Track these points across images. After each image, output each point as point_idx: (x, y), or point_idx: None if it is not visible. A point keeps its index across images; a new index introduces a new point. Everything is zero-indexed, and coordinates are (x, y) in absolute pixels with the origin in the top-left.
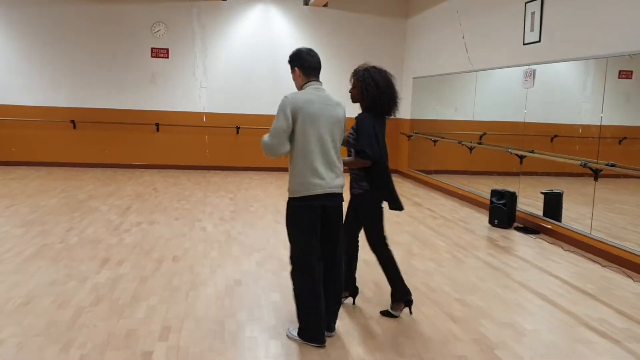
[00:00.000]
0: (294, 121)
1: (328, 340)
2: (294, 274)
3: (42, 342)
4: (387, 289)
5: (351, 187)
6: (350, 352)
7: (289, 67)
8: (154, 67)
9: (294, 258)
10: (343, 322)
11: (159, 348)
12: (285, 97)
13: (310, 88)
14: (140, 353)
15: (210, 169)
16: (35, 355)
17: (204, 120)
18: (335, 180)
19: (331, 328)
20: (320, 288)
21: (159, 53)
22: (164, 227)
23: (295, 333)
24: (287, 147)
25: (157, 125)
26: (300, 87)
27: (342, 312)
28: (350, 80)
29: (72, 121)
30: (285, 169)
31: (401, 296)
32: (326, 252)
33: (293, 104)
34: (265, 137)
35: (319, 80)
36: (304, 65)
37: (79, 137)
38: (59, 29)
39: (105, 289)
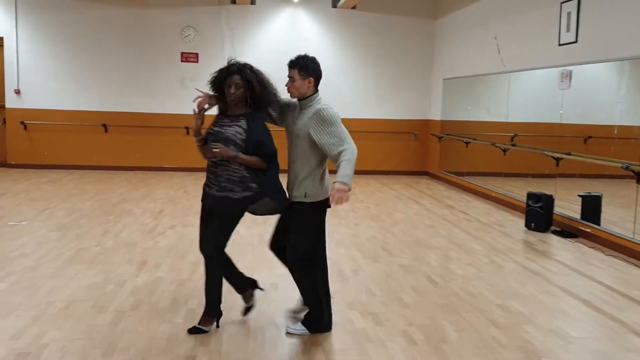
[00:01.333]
0: None
1: (369, 346)
2: (308, 272)
3: (84, 346)
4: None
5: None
6: (392, 358)
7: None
8: (184, 71)
9: (306, 257)
10: (383, 329)
11: (201, 353)
12: (331, 107)
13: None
14: (183, 358)
15: None
16: (79, 359)
17: None
18: None
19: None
20: None
21: (189, 57)
22: (197, 230)
23: (299, 327)
24: None
25: (186, 128)
26: (305, 96)
27: (382, 317)
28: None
29: (104, 125)
30: None
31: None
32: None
33: None
34: (352, 144)
35: None
36: (319, 76)
37: (111, 141)
38: (90, 34)
39: (144, 293)
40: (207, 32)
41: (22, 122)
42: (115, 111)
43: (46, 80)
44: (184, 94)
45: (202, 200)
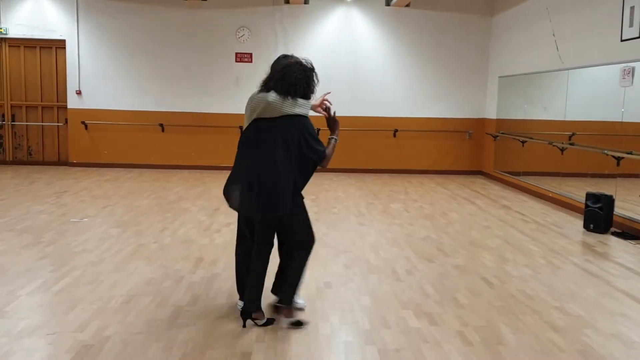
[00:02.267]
0: None
1: (425, 349)
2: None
3: (145, 339)
4: (482, 293)
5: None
6: (448, 359)
7: (370, 68)
8: (238, 71)
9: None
10: (438, 328)
11: (257, 349)
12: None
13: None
14: (239, 353)
15: None
16: (139, 352)
17: None
18: None
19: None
20: None
21: (243, 57)
22: None
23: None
24: None
25: (240, 128)
26: None
27: (437, 317)
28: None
29: (161, 124)
30: (364, 170)
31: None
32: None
33: None
34: None
35: None
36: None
37: (167, 140)
38: (147, 36)
39: (201, 289)
40: (261, 32)
41: (83, 122)
42: (171, 111)
43: (105, 81)
44: (238, 94)
45: None
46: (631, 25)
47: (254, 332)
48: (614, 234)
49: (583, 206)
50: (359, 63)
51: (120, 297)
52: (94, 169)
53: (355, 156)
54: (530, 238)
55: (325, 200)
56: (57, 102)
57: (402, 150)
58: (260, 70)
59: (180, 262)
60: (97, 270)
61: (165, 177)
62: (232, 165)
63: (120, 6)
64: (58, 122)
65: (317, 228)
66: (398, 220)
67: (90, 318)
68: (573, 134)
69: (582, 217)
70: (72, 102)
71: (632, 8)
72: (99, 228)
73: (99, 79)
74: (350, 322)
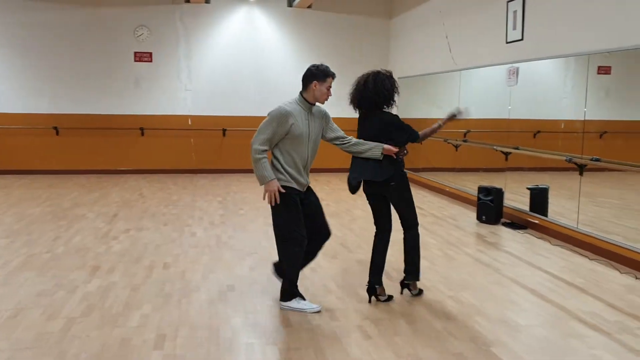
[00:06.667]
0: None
1: (325, 346)
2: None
3: (33, 355)
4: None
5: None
6: (348, 352)
7: (275, 68)
8: (138, 71)
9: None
10: (339, 324)
11: (155, 357)
12: None
13: None
14: None
15: (197, 173)
16: None
17: (190, 123)
18: None
19: None
20: None
21: (143, 57)
22: (153, 234)
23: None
24: None
25: (141, 129)
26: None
27: (338, 313)
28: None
29: (55, 127)
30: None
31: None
32: None
33: None
34: None
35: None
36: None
37: (62, 144)
38: (40, 35)
39: (96, 298)
40: (160, 31)
41: None
42: (67, 113)
43: None
44: (138, 94)
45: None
46: (514, 28)
47: (151, 341)
48: (504, 224)
49: (476, 199)
50: (265, 63)
51: (7, 311)
52: None
53: None
54: (428, 231)
55: (232, 202)
56: None
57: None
58: (161, 69)
59: (74, 271)
60: None
61: (60, 182)
62: (132, 167)
63: (10, 2)
64: None
65: (223, 231)
66: None
67: None
68: (468, 131)
69: (475, 209)
70: None
71: (515, 12)
72: None
73: None
74: (252, 323)
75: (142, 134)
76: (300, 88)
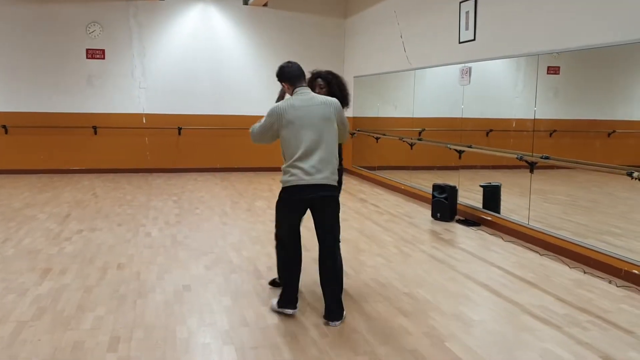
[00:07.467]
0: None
1: (282, 344)
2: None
3: None
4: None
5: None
6: (305, 351)
7: (231, 66)
8: (90, 68)
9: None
10: (296, 322)
11: (110, 359)
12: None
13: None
14: None
15: (152, 172)
16: None
17: (144, 121)
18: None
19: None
20: None
21: (95, 54)
22: (106, 234)
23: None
24: (266, 141)
25: (94, 128)
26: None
27: (293, 314)
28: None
29: (4, 126)
30: (229, 169)
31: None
32: None
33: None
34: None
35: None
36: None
37: (12, 143)
38: None
39: (48, 301)
40: (113, 27)
41: None
42: (16, 111)
43: None
44: (91, 92)
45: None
46: (467, 28)
47: (105, 343)
48: (458, 221)
49: (431, 197)
50: (220, 61)
51: None
52: None
53: (220, 155)
54: (384, 229)
55: (188, 201)
56: None
57: (267, 148)
58: (114, 67)
59: (25, 274)
60: None
61: (9, 182)
62: (85, 167)
63: None
64: None
65: (178, 230)
66: (262, 218)
67: None
68: (423, 130)
69: (430, 207)
70: None
71: (467, 13)
72: None
73: None
74: (208, 323)
75: (95, 133)
76: (252, 85)
